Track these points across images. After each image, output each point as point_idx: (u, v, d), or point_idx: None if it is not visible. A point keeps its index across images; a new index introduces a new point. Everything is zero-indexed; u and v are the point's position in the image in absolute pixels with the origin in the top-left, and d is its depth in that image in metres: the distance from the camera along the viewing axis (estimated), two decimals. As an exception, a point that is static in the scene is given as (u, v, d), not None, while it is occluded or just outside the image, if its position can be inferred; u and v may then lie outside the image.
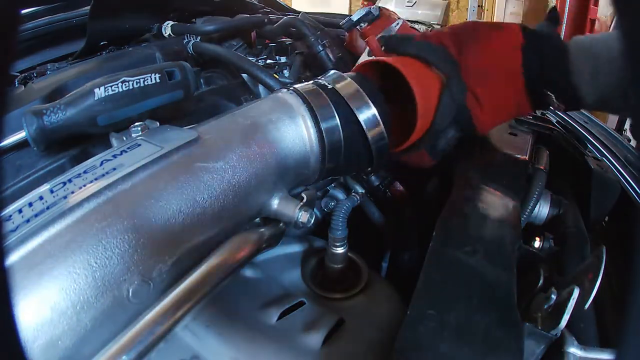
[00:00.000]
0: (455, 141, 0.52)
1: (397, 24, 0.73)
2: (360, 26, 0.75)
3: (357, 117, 0.44)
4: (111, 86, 0.47)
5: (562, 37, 0.48)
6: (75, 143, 0.53)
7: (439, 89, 0.50)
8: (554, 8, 0.49)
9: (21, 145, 0.50)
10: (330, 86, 0.46)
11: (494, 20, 3.44)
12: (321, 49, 0.79)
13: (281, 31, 0.86)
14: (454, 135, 0.51)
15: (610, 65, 0.43)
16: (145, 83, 0.49)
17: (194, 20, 0.87)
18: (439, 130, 0.50)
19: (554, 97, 0.48)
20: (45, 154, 0.52)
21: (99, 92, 0.47)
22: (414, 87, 0.46)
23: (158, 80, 0.50)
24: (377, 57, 0.51)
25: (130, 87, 0.48)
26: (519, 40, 0.48)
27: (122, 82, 0.48)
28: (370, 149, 0.46)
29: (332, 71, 0.48)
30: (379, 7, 0.76)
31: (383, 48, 0.54)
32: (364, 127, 0.44)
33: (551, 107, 0.50)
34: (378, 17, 0.74)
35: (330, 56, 0.80)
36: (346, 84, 0.46)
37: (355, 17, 0.75)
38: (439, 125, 0.49)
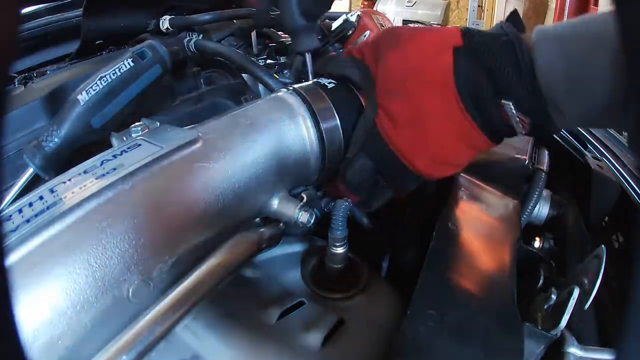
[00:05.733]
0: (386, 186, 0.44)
1: (365, 35, 0.68)
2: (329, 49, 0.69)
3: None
4: (92, 87, 0.49)
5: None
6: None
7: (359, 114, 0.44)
8: (514, 11, 0.39)
9: (33, 180, 0.49)
10: (331, 85, 0.46)
11: (494, 21, 3.42)
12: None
13: None
14: (379, 179, 0.43)
15: (591, 61, 0.30)
16: (122, 71, 0.50)
17: None
18: (347, 158, 0.43)
19: (513, 108, 0.34)
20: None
21: (83, 97, 0.48)
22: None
23: (132, 64, 0.51)
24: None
25: (109, 80, 0.49)
26: (454, 41, 0.37)
27: (99, 79, 0.49)
28: None
29: None
30: (359, 15, 0.71)
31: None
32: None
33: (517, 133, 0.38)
34: (355, 28, 0.69)
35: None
36: None
37: (334, 26, 0.71)
38: (349, 152, 0.43)
